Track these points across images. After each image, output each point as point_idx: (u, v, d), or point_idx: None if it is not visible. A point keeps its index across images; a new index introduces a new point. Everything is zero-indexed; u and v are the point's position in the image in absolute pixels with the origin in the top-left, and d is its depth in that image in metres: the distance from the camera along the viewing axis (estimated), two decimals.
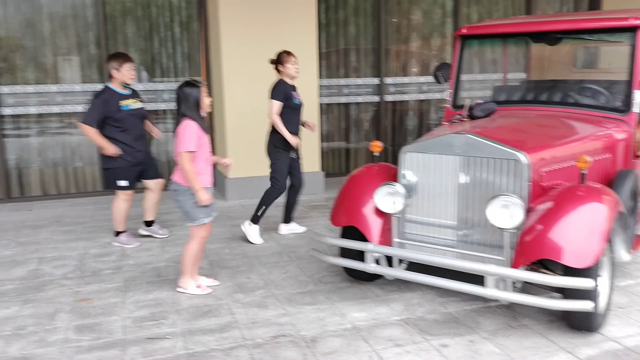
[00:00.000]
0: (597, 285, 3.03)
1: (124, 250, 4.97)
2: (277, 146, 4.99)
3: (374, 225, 3.65)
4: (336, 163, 8.19)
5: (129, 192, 5.02)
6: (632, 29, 4.09)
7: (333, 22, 7.76)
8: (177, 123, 3.74)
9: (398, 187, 3.53)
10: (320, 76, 7.48)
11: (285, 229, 5.34)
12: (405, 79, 8.21)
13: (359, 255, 3.67)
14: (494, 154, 3.33)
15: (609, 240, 3.25)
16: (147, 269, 4.49)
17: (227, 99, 6.53)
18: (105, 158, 4.92)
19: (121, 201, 5.01)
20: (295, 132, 5.05)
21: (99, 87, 6.75)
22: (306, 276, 4.25)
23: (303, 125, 5.21)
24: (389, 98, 8.15)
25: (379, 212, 3.67)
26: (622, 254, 3.51)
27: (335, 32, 7.82)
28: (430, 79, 8.23)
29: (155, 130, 5.32)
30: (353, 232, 3.81)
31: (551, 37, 4.66)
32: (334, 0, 7.72)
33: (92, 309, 3.75)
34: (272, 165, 5.06)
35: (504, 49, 6.20)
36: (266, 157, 5.13)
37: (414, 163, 3.61)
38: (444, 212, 3.55)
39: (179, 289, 3.97)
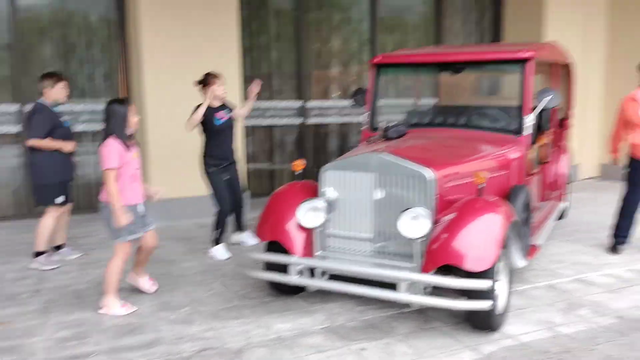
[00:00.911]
0: (494, 287, 3.38)
1: (42, 273, 4.87)
2: (206, 170, 5.16)
3: (297, 240, 3.86)
4: (261, 183, 8.35)
5: (62, 208, 4.98)
6: (522, 61, 4.60)
7: (256, 47, 7.99)
8: (103, 140, 3.81)
9: (319, 203, 3.77)
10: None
11: (235, 238, 5.60)
12: (326, 103, 8.55)
13: (284, 269, 3.86)
14: (404, 171, 3.65)
15: (505, 247, 3.63)
16: (68, 291, 4.45)
17: (150, 120, 6.55)
18: (40, 175, 4.89)
19: (50, 218, 4.96)
20: (225, 153, 5.20)
21: (12, 107, 6.66)
22: (231, 292, 4.37)
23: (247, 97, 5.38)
24: (311, 121, 8.44)
25: (302, 227, 3.88)
26: (518, 260, 3.91)
27: (258, 57, 8.05)
28: (350, 103, 8.65)
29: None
30: (277, 246, 3.99)
31: (455, 67, 5.12)
32: (256, 26, 7.97)
33: (10, 331, 3.69)
34: (209, 188, 5.22)
35: (416, 76, 6.68)
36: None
37: (333, 180, 3.87)
38: (361, 225, 3.82)
39: (101, 311, 3.94)
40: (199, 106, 5.05)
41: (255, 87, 5.37)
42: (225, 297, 4.28)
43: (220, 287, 4.50)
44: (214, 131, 5.10)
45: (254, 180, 8.17)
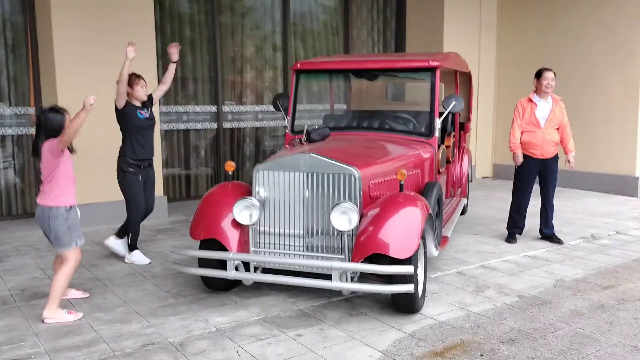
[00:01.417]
0: (416, 272, 3.77)
1: None
2: (123, 169, 5.08)
3: (232, 237, 4.04)
4: (178, 188, 8.35)
5: None
6: (432, 69, 5.08)
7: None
8: (37, 146, 3.77)
9: (254, 201, 3.98)
10: (160, 103, 7.64)
11: (113, 242, 5.33)
12: (242, 108, 8.72)
13: (219, 266, 4.03)
14: (333, 169, 3.96)
15: (423, 238, 4.04)
16: None
17: None
18: None
19: None
20: (146, 153, 5.16)
21: None
22: (164, 292, 4.46)
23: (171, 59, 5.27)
24: (227, 125, 8.57)
25: (236, 225, 4.07)
26: (432, 249, 4.35)
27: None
28: (265, 107, 8.89)
29: None
30: (211, 245, 4.15)
31: (370, 74, 5.52)
32: (169, 30, 7.99)
33: None
34: (122, 190, 5.13)
35: (330, 82, 7.06)
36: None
37: (265, 180, 4.09)
38: (292, 222, 4.07)
39: (48, 320, 3.82)
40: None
41: (174, 48, 5.27)
42: (159, 295, 4.36)
43: (152, 287, 4.56)
44: (136, 127, 5.04)
45: (169, 184, 8.16)
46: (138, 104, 5.14)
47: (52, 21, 6.28)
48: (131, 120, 5.06)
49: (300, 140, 5.12)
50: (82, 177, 6.39)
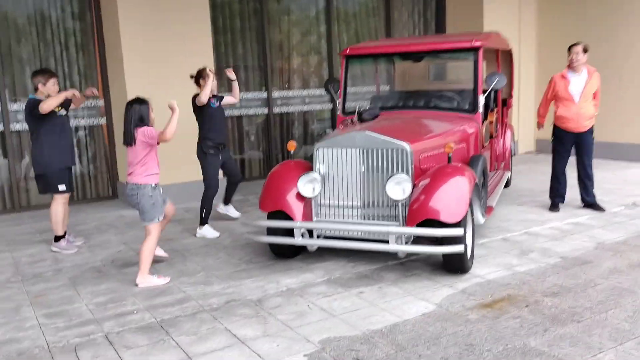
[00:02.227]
0: (465, 234, 4.17)
1: (55, 256, 5.31)
2: (204, 151, 5.71)
3: (297, 208, 4.52)
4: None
5: (67, 195, 5.38)
6: (474, 49, 5.41)
7: (223, 42, 8.49)
8: (130, 133, 4.30)
9: (316, 175, 4.44)
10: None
11: (222, 208, 6.29)
12: (290, 93, 9.18)
13: (286, 234, 4.52)
14: (386, 145, 4.37)
15: (470, 205, 4.42)
16: (86, 268, 4.93)
17: None
18: (40, 164, 5.26)
19: (59, 205, 5.36)
20: (221, 133, 5.82)
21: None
22: (237, 259, 4.99)
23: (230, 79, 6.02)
24: (276, 110, 9.05)
25: (300, 198, 4.55)
26: (479, 217, 4.72)
27: (225, 52, 8.56)
28: (311, 91, 9.32)
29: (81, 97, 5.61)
30: (276, 217, 4.63)
31: (416, 56, 5.88)
32: (221, 23, 8.47)
33: (51, 301, 4.17)
34: (202, 170, 5.78)
35: (376, 65, 7.42)
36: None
37: (325, 156, 4.54)
38: (350, 195, 4.52)
39: (141, 285, 4.38)
40: (194, 99, 5.66)
41: (230, 73, 5.98)
42: (232, 263, 4.89)
43: (226, 256, 5.10)
44: (210, 115, 5.68)
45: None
46: (210, 94, 5.69)
47: (120, 21, 6.83)
48: (205, 111, 5.67)
49: (352, 120, 5.56)
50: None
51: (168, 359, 3.22)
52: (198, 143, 5.80)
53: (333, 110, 9.53)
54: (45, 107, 5.08)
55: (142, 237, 5.71)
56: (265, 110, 8.95)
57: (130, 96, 6.80)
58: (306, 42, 9.43)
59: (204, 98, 5.53)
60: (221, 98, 5.93)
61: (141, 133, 4.28)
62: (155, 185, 4.43)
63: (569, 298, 3.86)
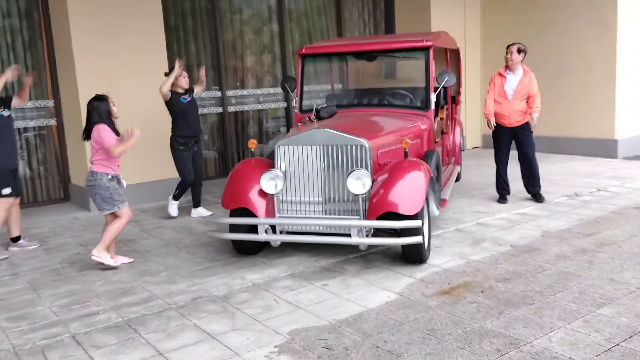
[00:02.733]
0: (422, 226, 4.36)
1: (12, 260, 5.19)
2: (174, 147, 6.04)
3: (260, 205, 4.60)
4: None
5: (10, 200, 5.24)
6: (426, 49, 5.62)
7: (175, 40, 8.44)
8: (89, 130, 4.34)
9: (278, 172, 4.53)
10: None
11: (194, 213, 6.51)
12: (244, 92, 9.21)
13: (248, 231, 4.60)
14: (346, 142, 4.51)
15: (426, 198, 4.62)
16: (45, 271, 4.85)
17: (84, 112, 6.84)
18: None
19: (2, 210, 5.21)
20: (194, 131, 6.13)
21: None
22: (199, 258, 5.02)
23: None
24: (231, 109, 9.07)
25: (263, 194, 4.63)
26: (434, 209, 4.94)
27: (177, 50, 8.51)
28: (265, 90, 9.39)
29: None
30: (239, 214, 4.70)
31: (369, 55, 6.05)
32: (173, 21, 8.41)
33: (12, 305, 4.11)
34: (175, 164, 6.12)
35: (330, 64, 7.57)
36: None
37: (286, 154, 4.64)
38: (312, 190, 4.63)
39: (94, 257, 4.58)
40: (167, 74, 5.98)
41: (202, 70, 6.45)
42: (195, 261, 4.93)
43: (187, 255, 5.13)
44: (181, 111, 5.93)
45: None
46: (181, 90, 5.97)
47: (69, 17, 6.70)
48: (175, 107, 5.94)
49: (309, 118, 5.68)
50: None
51: (139, 356, 3.25)
52: (171, 137, 6.11)
53: (287, 109, 9.63)
54: None
55: (99, 239, 5.68)
56: (220, 109, 8.96)
57: (82, 95, 6.82)
58: (259, 41, 9.48)
59: (164, 89, 5.81)
60: (192, 90, 6.21)
61: (95, 131, 4.41)
62: (113, 177, 4.51)
63: (520, 283, 4.11)
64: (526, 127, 6.33)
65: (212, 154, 9.11)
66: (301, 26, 9.87)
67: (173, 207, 6.41)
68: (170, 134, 6.17)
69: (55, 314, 3.91)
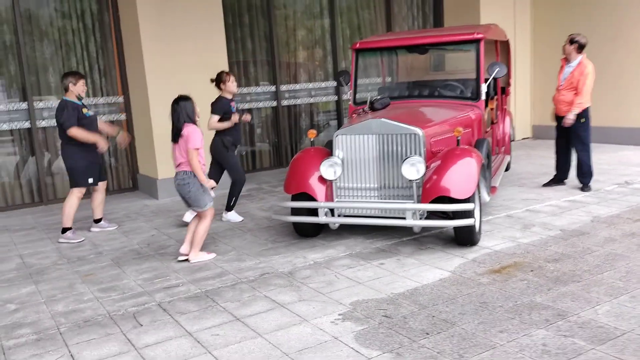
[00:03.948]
0: (474, 209, 4.61)
1: (93, 241, 5.74)
2: (225, 146, 5.99)
3: (320, 190, 4.95)
4: (245, 161, 9.33)
5: (83, 190, 5.81)
6: (476, 41, 5.84)
7: (232, 39, 8.88)
8: (179, 130, 4.67)
9: (337, 160, 4.87)
10: None
11: (225, 216, 6.33)
12: (297, 86, 9.59)
13: (308, 215, 4.96)
14: (400, 131, 4.80)
15: (478, 183, 4.86)
16: (125, 251, 5.35)
17: (153, 107, 7.36)
18: (71, 158, 5.67)
19: (75, 199, 5.77)
20: (237, 138, 6.11)
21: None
22: (263, 240, 5.42)
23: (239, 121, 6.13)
24: (284, 103, 9.47)
25: (322, 180, 4.98)
26: (485, 195, 5.17)
27: (235, 48, 8.95)
28: (317, 85, 9.74)
29: (110, 129, 6.15)
30: (299, 199, 5.06)
31: (422, 49, 6.31)
32: (231, 20, 8.85)
33: (101, 279, 4.60)
34: (226, 164, 6.03)
35: (381, 58, 7.85)
36: (212, 157, 6.12)
37: (344, 143, 4.97)
38: (368, 177, 4.95)
39: (193, 261, 4.82)
40: (214, 104, 5.98)
41: (246, 117, 6.29)
42: (259, 242, 5.33)
43: (252, 237, 5.54)
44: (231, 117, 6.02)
45: (241, 158, 9.14)
46: (230, 96, 6.01)
47: (139, 20, 7.21)
48: (228, 112, 5.95)
49: (363, 109, 5.99)
50: (169, 155, 7.44)
51: (220, 321, 3.66)
52: (216, 138, 6.01)
53: (338, 102, 9.96)
54: (74, 133, 5.58)
55: (170, 223, 6.19)
56: (274, 103, 9.36)
57: (152, 93, 7.34)
58: (311, 37, 9.84)
59: (211, 126, 5.92)
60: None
61: (186, 130, 4.61)
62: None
63: (568, 263, 4.32)
64: (575, 117, 6.43)
65: (266, 146, 9.53)
66: (351, 21, 10.16)
67: (234, 216, 6.23)
68: (216, 137, 6.04)
69: (140, 286, 4.38)
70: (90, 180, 5.77)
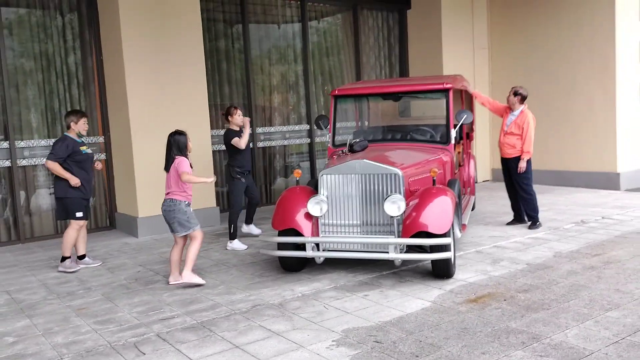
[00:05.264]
0: (451, 243, 4.99)
1: (80, 276, 5.83)
2: (232, 176, 6.66)
3: (306, 226, 5.25)
4: (223, 200, 9.54)
5: (81, 222, 5.94)
6: (447, 90, 6.36)
7: (210, 82, 9.22)
8: (170, 161, 5.03)
9: (323, 197, 5.20)
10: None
11: (245, 228, 7.18)
12: (272, 129, 9.96)
13: (296, 249, 5.24)
14: (381, 171, 5.19)
15: (453, 221, 5.25)
16: (114, 286, 5.47)
17: (135, 147, 7.56)
18: (62, 190, 5.83)
19: (73, 231, 5.93)
20: (247, 162, 6.76)
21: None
22: (249, 274, 5.64)
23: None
24: (259, 144, 9.80)
25: (308, 217, 5.28)
26: (457, 232, 5.57)
27: (213, 92, 9.29)
28: (290, 127, 10.14)
29: (99, 165, 6.35)
30: (285, 235, 5.34)
31: (395, 96, 6.80)
32: (210, 65, 9.21)
33: (95, 312, 4.72)
34: (229, 192, 6.73)
35: (356, 104, 8.33)
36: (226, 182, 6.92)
37: (328, 182, 5.31)
38: (351, 215, 5.29)
39: (185, 279, 5.16)
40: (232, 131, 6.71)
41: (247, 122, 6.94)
42: (246, 277, 5.55)
43: (237, 272, 5.75)
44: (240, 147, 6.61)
45: (220, 197, 9.33)
46: (237, 128, 6.60)
47: (124, 62, 7.48)
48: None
49: (342, 151, 6.38)
50: (150, 192, 7.62)
51: (220, 349, 3.85)
52: (227, 168, 6.79)
53: (311, 144, 10.36)
54: (49, 165, 5.86)
55: (154, 260, 6.35)
56: (250, 145, 9.64)
57: (135, 134, 7.56)
58: (285, 83, 10.30)
59: (242, 145, 6.58)
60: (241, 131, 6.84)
61: (176, 163, 5.02)
62: (189, 203, 5.15)
63: (537, 293, 4.71)
64: (516, 160, 7.04)
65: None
66: (323, 68, 10.70)
67: (238, 244, 6.72)
68: (228, 165, 6.85)
69: (136, 318, 4.53)
70: (79, 214, 5.91)
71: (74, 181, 5.87)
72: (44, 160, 6.05)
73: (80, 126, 5.97)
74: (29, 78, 7.80)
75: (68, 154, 5.85)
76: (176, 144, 5.12)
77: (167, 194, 5.18)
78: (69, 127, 5.96)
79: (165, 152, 5.18)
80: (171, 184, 5.14)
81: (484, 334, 3.93)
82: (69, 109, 7.98)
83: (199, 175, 5.29)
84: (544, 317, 4.18)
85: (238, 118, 6.69)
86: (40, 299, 5.15)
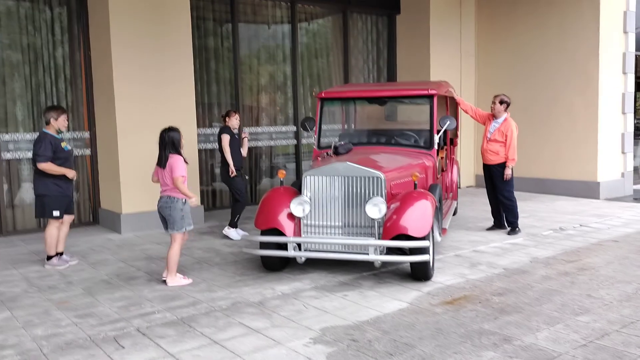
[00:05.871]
0: (430, 246, 5.09)
1: (60, 271, 5.84)
2: (229, 174, 7.02)
3: (288, 226, 5.32)
4: (211, 199, 9.59)
5: (60, 220, 5.94)
6: (431, 96, 6.47)
7: (198, 81, 9.25)
8: (165, 158, 5.07)
9: (306, 198, 5.28)
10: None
11: (226, 231, 7.35)
12: (259, 129, 10.02)
13: (277, 248, 5.31)
14: (364, 174, 5.28)
15: (432, 225, 5.36)
16: (96, 281, 5.50)
17: (121, 143, 7.56)
18: (43, 187, 5.81)
19: (54, 228, 5.92)
20: (239, 159, 7.19)
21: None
22: (231, 273, 5.70)
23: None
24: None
25: (291, 217, 5.35)
26: (437, 235, 5.68)
27: (201, 91, 9.33)
28: (277, 128, 10.21)
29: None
30: (268, 235, 5.41)
31: (381, 100, 6.90)
32: (198, 63, 9.25)
33: (76, 306, 4.75)
34: (231, 187, 7.14)
35: (343, 107, 8.42)
36: (223, 182, 7.44)
37: (312, 183, 5.39)
38: (333, 216, 5.37)
39: (171, 284, 5.18)
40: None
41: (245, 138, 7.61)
42: (228, 275, 5.60)
43: (219, 270, 5.80)
44: (234, 146, 7.10)
45: (205, 196, 9.38)
46: (235, 130, 7.15)
47: (112, 58, 7.50)
48: (233, 141, 7.10)
49: (327, 153, 6.46)
50: (134, 189, 7.64)
51: (198, 344, 3.91)
52: (222, 168, 7.26)
53: (297, 146, 10.43)
54: (43, 167, 5.77)
55: (136, 256, 6.38)
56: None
57: (120, 130, 7.58)
58: (273, 84, 10.36)
59: (226, 147, 7.10)
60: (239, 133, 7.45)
61: (171, 160, 5.09)
62: (185, 201, 5.16)
63: (512, 297, 4.83)
64: (499, 166, 7.17)
65: (225, 186, 9.80)
66: (312, 70, 10.78)
67: (234, 233, 7.22)
68: (222, 168, 7.32)
69: (117, 313, 4.57)
70: (56, 214, 5.89)
71: (71, 174, 5.91)
72: (32, 159, 5.96)
73: (60, 123, 5.94)
74: (16, 71, 7.79)
75: (53, 152, 5.83)
76: (171, 141, 5.13)
77: (164, 190, 5.19)
78: (48, 123, 5.91)
79: (159, 148, 5.19)
80: (167, 181, 5.15)
81: (458, 334, 4.02)
82: (55, 103, 8.00)
83: (190, 190, 5.27)
84: (517, 320, 4.29)
85: (234, 121, 7.22)
86: (21, 292, 5.17)
